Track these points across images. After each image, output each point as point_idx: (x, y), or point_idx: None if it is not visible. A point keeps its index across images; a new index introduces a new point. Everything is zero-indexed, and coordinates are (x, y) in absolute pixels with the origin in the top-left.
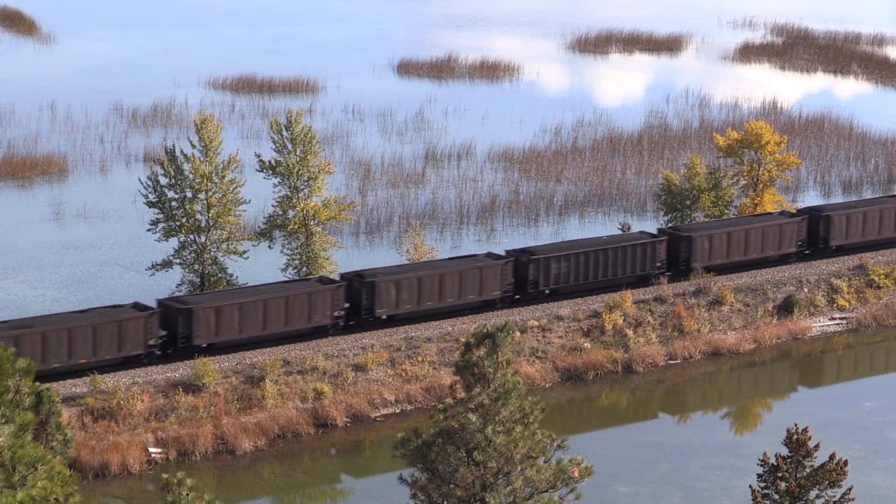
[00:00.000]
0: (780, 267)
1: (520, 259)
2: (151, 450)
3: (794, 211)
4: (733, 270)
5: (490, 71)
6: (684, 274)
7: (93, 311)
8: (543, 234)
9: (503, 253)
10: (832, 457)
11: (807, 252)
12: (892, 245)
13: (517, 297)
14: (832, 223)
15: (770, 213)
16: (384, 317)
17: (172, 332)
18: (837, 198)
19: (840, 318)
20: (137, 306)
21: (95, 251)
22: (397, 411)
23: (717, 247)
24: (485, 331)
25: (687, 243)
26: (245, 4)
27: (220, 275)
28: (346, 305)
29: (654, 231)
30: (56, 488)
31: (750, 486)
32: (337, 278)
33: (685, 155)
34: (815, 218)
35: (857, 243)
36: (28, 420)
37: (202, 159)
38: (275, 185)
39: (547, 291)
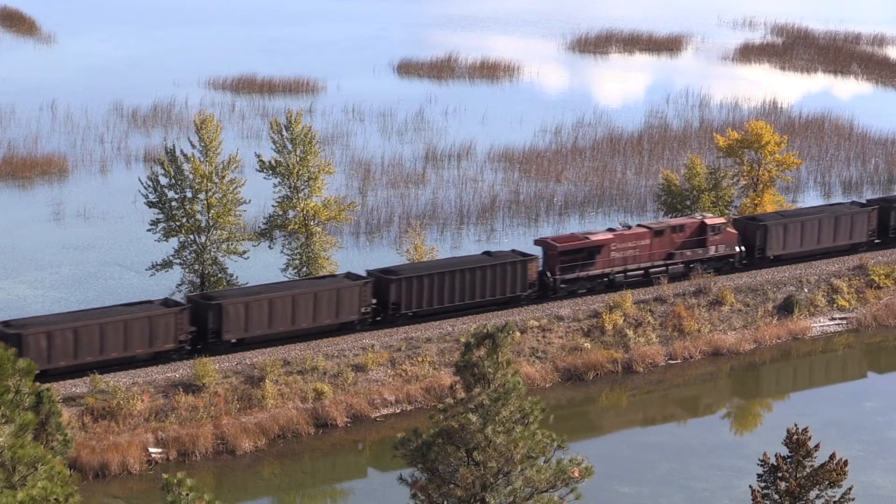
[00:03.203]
0: (780, 267)
1: None
2: (151, 450)
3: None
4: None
5: (490, 71)
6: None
7: None
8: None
9: None
10: (832, 457)
11: (198, 347)
12: (305, 337)
13: None
14: (225, 314)
15: (146, 303)
16: None
17: None
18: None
19: (840, 319)
20: None
21: (95, 251)
22: (397, 411)
23: (59, 344)
24: (485, 331)
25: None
26: (245, 4)
27: (220, 275)
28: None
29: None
30: (56, 488)
31: (750, 486)
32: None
33: (685, 155)
34: (201, 306)
35: (261, 335)
36: (28, 420)
37: (202, 159)
38: (275, 185)
39: None
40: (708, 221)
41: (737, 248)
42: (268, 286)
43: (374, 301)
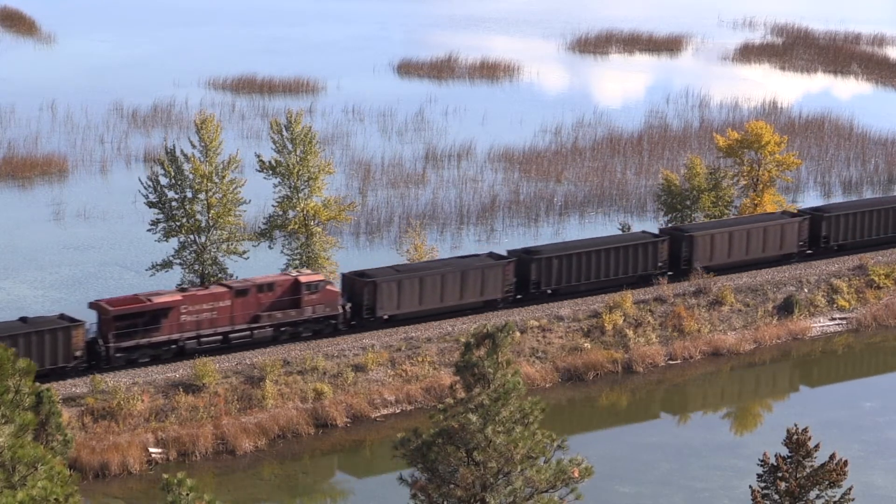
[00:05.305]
0: (781, 267)
1: None
2: (151, 450)
3: None
4: None
5: (490, 71)
6: None
7: None
8: (544, 236)
9: None
10: (832, 457)
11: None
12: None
13: None
14: None
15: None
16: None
17: None
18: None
19: (840, 319)
20: None
21: (95, 251)
22: (397, 411)
23: None
24: (485, 331)
25: None
26: (245, 4)
27: (220, 275)
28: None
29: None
30: (56, 488)
31: (750, 486)
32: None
33: (685, 155)
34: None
35: None
36: (28, 420)
37: (202, 159)
38: (275, 185)
39: None
40: (302, 279)
41: (339, 308)
42: None
43: None
